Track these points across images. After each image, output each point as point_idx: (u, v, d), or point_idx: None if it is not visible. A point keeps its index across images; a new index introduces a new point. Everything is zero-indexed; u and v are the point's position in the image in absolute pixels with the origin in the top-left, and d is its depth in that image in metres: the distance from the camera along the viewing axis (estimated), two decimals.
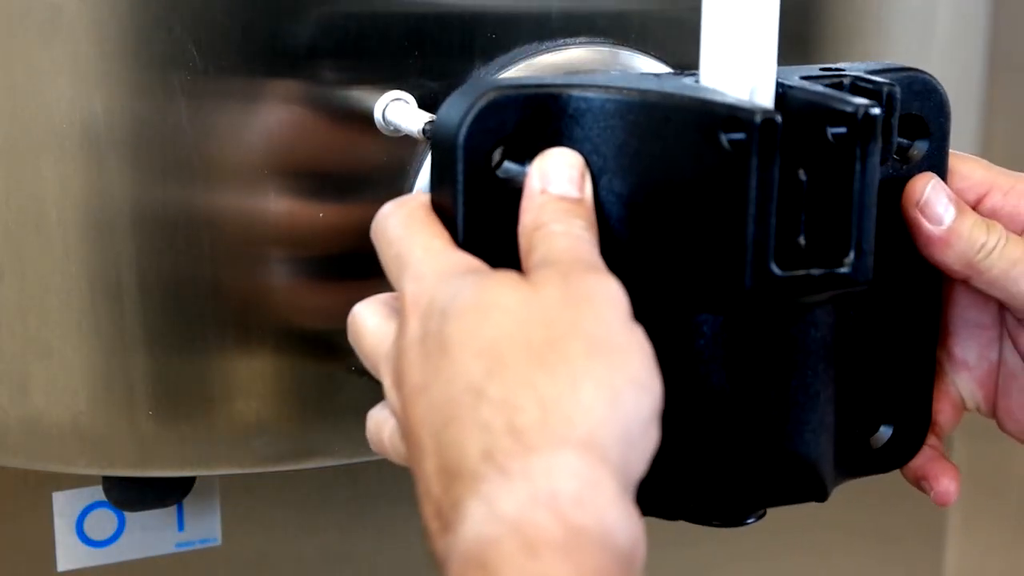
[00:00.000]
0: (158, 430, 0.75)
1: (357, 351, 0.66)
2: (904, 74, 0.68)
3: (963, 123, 0.90)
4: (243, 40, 0.70)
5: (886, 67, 0.69)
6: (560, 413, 0.56)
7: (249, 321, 0.74)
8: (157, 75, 0.70)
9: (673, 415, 0.61)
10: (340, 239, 0.74)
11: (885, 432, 0.73)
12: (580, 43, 0.74)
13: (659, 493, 0.63)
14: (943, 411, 0.75)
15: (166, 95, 0.70)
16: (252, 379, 0.75)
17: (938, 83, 0.69)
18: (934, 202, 0.68)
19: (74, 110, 0.70)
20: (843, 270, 0.63)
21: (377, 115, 0.72)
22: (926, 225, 0.68)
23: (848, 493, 1.12)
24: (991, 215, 0.70)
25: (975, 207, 0.70)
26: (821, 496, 0.69)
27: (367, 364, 0.65)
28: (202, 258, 0.73)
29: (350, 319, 0.66)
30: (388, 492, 0.97)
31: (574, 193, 0.64)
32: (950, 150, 0.70)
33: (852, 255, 0.63)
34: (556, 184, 0.64)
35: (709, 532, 1.10)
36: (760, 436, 0.66)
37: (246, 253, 0.73)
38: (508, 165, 0.65)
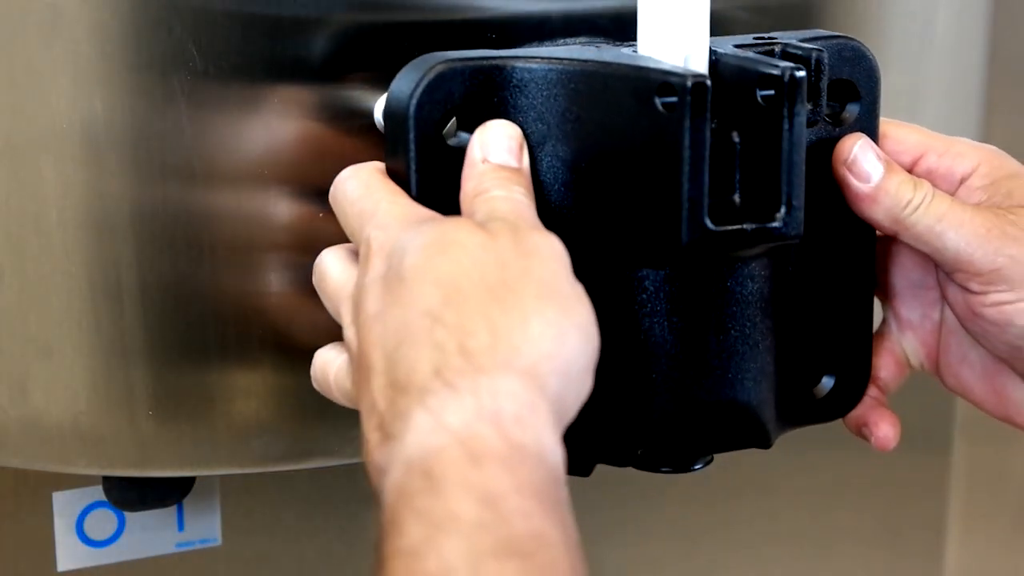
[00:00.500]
0: (158, 430, 0.75)
1: (320, 293, 0.70)
2: (835, 41, 0.72)
3: (963, 123, 0.90)
4: (243, 40, 0.70)
5: (817, 35, 0.72)
6: (509, 342, 0.60)
7: (249, 321, 0.74)
8: (157, 75, 0.70)
9: (620, 365, 0.66)
10: (339, 238, 0.74)
11: (827, 383, 0.76)
12: (580, 43, 0.74)
13: (609, 441, 0.66)
14: (886, 367, 0.78)
15: (166, 95, 0.70)
16: (252, 379, 0.75)
17: (867, 49, 0.72)
18: (862, 160, 0.72)
19: (74, 110, 0.70)
20: (774, 224, 0.67)
21: (377, 115, 0.72)
22: (855, 182, 0.72)
23: (848, 493, 1.13)
24: (926, 175, 0.73)
25: (911, 169, 0.73)
26: (764, 443, 0.72)
27: (328, 306, 0.69)
28: (202, 258, 0.73)
29: (316, 264, 0.70)
30: None
31: (513, 163, 0.68)
32: (890, 119, 0.74)
33: (783, 210, 0.66)
34: (496, 154, 0.68)
35: (711, 532, 1.10)
36: (702, 385, 0.69)
37: (246, 253, 0.73)
38: (460, 134, 0.69)
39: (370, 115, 0.72)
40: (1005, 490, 1.21)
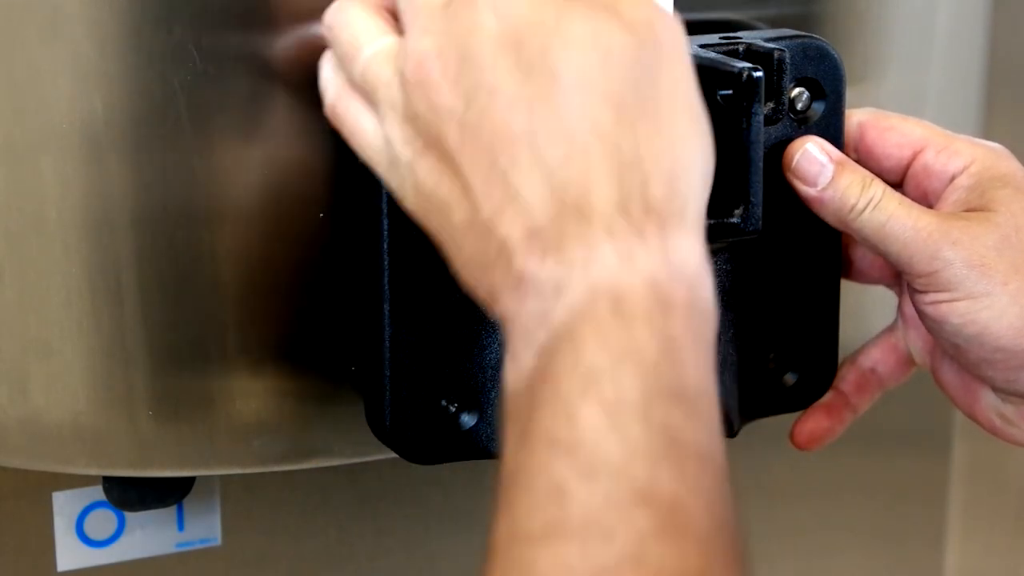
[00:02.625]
0: (158, 430, 0.75)
1: (336, 35, 0.67)
2: (799, 40, 0.73)
3: (963, 123, 0.90)
4: (243, 40, 0.70)
5: (781, 34, 0.74)
6: (681, 194, 0.60)
7: (249, 321, 0.74)
8: (157, 75, 0.70)
9: None
10: (341, 237, 0.74)
11: (792, 375, 0.78)
12: None
13: None
14: (885, 362, 0.81)
15: (166, 95, 0.70)
16: (252, 379, 0.75)
17: (831, 48, 0.74)
18: (805, 165, 0.73)
19: (74, 110, 0.70)
20: (733, 220, 0.69)
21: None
22: (801, 187, 0.73)
23: (848, 493, 1.12)
24: (922, 170, 0.75)
25: (909, 162, 0.75)
26: (728, 432, 0.74)
27: (343, 43, 0.66)
28: (202, 258, 0.73)
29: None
30: (388, 492, 0.96)
31: None
32: (897, 113, 0.76)
33: (742, 206, 0.70)
34: None
35: None
36: None
37: (246, 252, 0.73)
38: None
39: None
40: (1005, 490, 1.21)
